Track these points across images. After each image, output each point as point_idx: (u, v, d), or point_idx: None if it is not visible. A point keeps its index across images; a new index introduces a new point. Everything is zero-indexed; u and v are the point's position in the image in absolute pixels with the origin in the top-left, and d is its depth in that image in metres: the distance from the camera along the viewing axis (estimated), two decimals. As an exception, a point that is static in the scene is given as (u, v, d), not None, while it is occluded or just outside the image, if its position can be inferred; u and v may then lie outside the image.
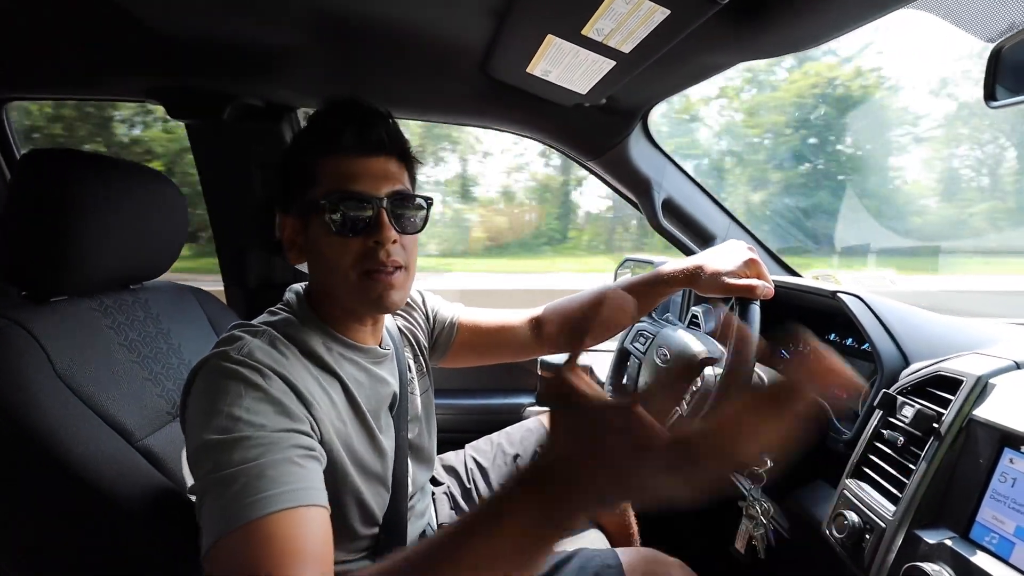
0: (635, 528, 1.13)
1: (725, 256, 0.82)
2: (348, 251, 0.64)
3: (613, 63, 0.84)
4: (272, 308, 0.71)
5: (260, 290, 1.24)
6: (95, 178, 0.74)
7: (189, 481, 0.75)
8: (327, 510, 0.53)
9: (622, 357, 1.10)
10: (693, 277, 0.83)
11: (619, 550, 0.86)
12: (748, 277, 0.80)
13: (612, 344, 1.20)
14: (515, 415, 1.45)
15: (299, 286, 0.75)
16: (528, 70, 0.92)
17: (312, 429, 0.58)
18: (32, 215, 0.69)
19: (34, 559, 0.63)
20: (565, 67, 0.89)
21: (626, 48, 0.78)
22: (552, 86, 0.97)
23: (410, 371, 0.84)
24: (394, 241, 0.65)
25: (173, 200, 0.87)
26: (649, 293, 0.90)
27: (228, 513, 0.47)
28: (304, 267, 1.22)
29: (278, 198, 0.71)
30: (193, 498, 0.53)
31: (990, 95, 0.57)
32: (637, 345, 1.05)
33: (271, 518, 0.47)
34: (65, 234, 0.69)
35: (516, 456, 1.10)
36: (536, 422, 1.17)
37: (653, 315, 1.12)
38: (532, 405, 1.50)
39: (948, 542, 0.57)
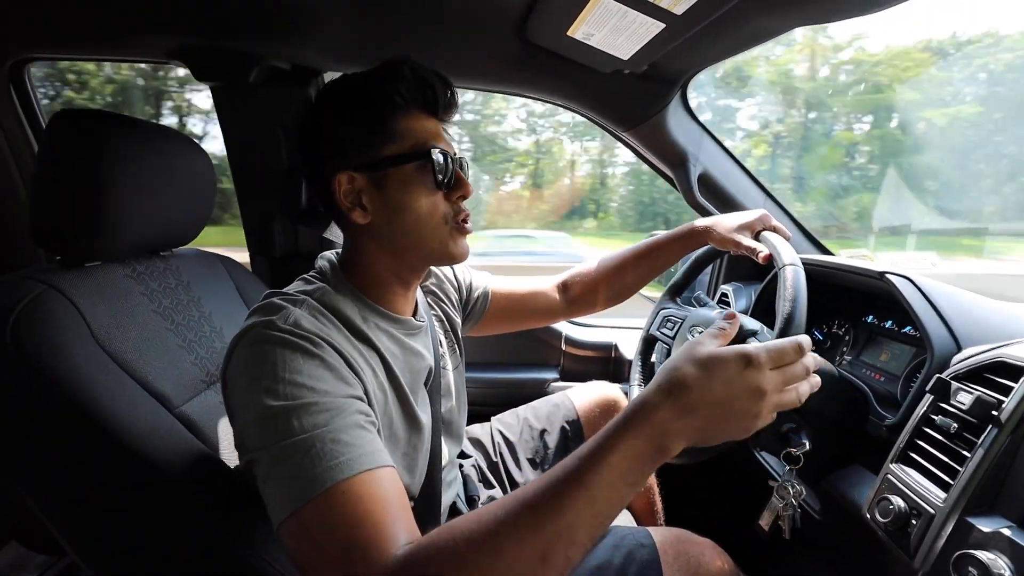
0: (660, 507, 1.14)
1: (736, 215, 0.91)
2: (439, 206, 0.67)
3: (662, 26, 0.79)
4: (305, 276, 0.69)
5: (285, 259, 1.23)
6: (125, 140, 0.72)
7: (226, 449, 0.75)
8: (396, 469, 0.53)
9: (648, 345, 1.08)
10: (708, 229, 0.91)
11: (651, 529, 0.85)
12: (763, 227, 0.87)
13: (637, 321, 1.18)
14: (539, 390, 1.45)
15: (331, 254, 0.73)
16: (569, 33, 0.88)
17: (364, 395, 0.58)
18: (65, 176, 0.68)
19: (73, 516, 0.64)
20: (610, 30, 0.84)
21: (679, 9, 0.73)
22: (592, 51, 0.93)
23: (441, 346, 0.83)
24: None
25: (202, 165, 0.85)
26: (669, 249, 0.98)
27: (312, 477, 0.47)
28: (332, 235, 1.21)
29: (333, 156, 0.65)
30: (232, 465, 0.53)
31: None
32: (665, 331, 1.03)
33: (355, 480, 0.48)
34: (98, 196, 0.68)
35: (543, 431, 1.11)
36: (562, 397, 1.17)
37: (678, 301, 1.10)
38: (556, 380, 1.49)
39: (1005, 531, 0.55)
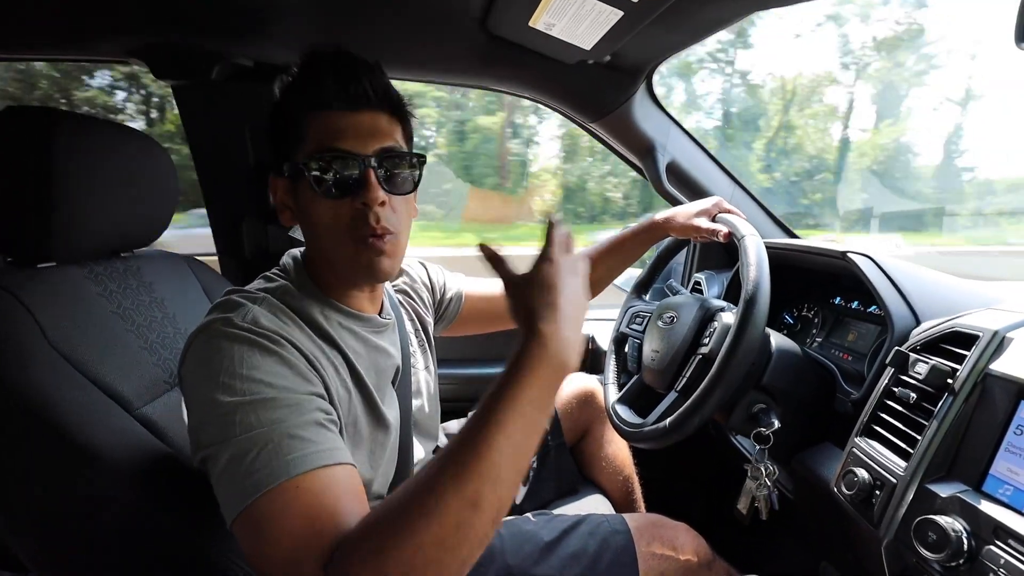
0: (639, 494, 1.14)
1: (693, 203, 0.95)
2: (337, 215, 0.61)
3: (620, 14, 0.80)
4: (268, 273, 0.68)
5: (255, 260, 1.21)
6: (78, 138, 0.70)
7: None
8: (356, 468, 0.52)
9: (619, 344, 1.08)
10: (668, 220, 0.95)
11: (626, 516, 0.86)
12: (719, 211, 0.91)
13: (613, 312, 1.19)
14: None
15: (296, 251, 0.72)
16: (531, 23, 0.88)
17: (326, 393, 0.57)
18: (13, 175, 0.66)
19: (34, 528, 0.62)
20: (570, 19, 0.85)
21: (635, -5, 0.74)
22: (555, 41, 0.93)
23: (411, 344, 0.83)
24: (382, 203, 0.61)
25: (162, 164, 0.83)
26: (633, 242, 1.01)
27: (266, 471, 0.46)
28: (299, 233, 1.20)
29: (270, 159, 0.67)
30: (196, 464, 0.52)
31: (1021, 36, 0.55)
32: (635, 327, 1.04)
33: (312, 475, 0.47)
34: (48, 195, 0.66)
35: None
36: None
37: (644, 297, 1.11)
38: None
39: (961, 495, 0.57)
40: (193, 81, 1.07)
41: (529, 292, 0.52)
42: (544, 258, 0.54)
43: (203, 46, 1.03)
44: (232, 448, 0.48)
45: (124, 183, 0.76)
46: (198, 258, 0.98)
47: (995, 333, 0.62)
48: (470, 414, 0.48)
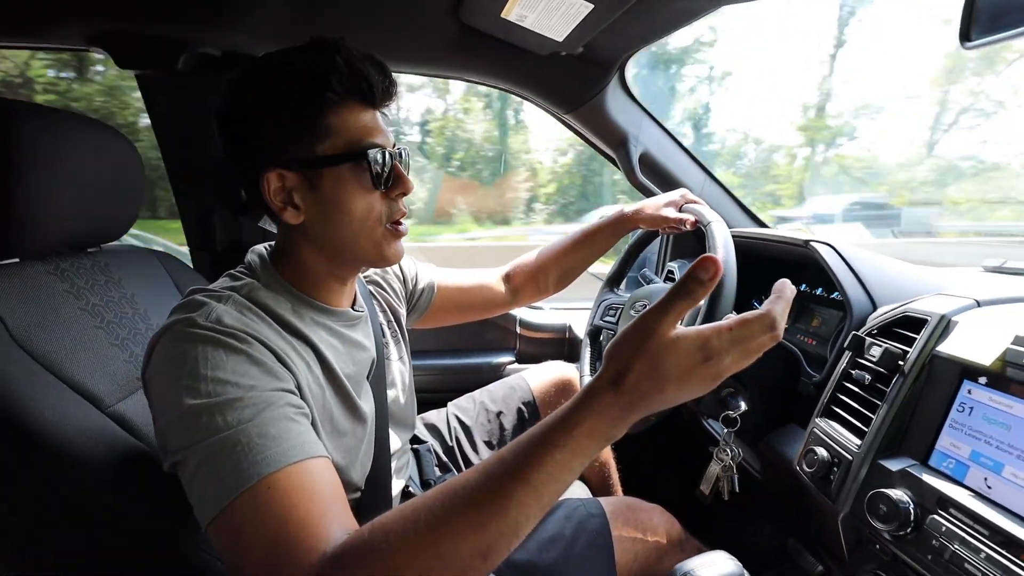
0: (616, 479, 1.18)
1: (660, 196, 0.98)
2: (372, 206, 0.63)
3: (591, 6, 0.81)
4: (232, 272, 0.67)
5: (227, 252, 1.19)
6: (38, 129, 0.68)
7: None
8: (330, 459, 0.52)
9: (594, 337, 1.11)
10: (637, 212, 0.96)
11: (602, 499, 0.88)
12: (685, 201, 0.95)
13: (590, 303, 1.21)
14: (495, 373, 1.46)
15: (262, 248, 0.70)
16: (503, 15, 0.89)
17: (296, 388, 0.57)
18: None
19: (6, 526, 0.61)
20: (541, 11, 0.85)
21: (604, -11, 0.75)
22: (528, 33, 0.94)
23: (384, 336, 0.83)
24: None
25: (127, 156, 0.81)
26: (603, 234, 1.01)
27: (237, 473, 0.46)
28: (270, 226, 1.18)
29: (261, 151, 0.62)
30: (167, 469, 0.51)
31: (965, 35, 0.58)
32: (608, 319, 1.07)
33: (285, 472, 0.46)
34: (8, 189, 0.64)
35: (499, 413, 1.12)
36: (518, 379, 1.19)
37: (617, 290, 1.13)
38: (512, 363, 1.51)
39: (909, 469, 0.60)
40: (158, 71, 1.04)
41: (632, 343, 0.42)
42: (705, 347, 0.41)
43: (168, 34, 1.00)
44: (200, 453, 0.47)
45: (88, 176, 0.74)
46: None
47: (942, 317, 0.66)
48: (498, 451, 0.44)
